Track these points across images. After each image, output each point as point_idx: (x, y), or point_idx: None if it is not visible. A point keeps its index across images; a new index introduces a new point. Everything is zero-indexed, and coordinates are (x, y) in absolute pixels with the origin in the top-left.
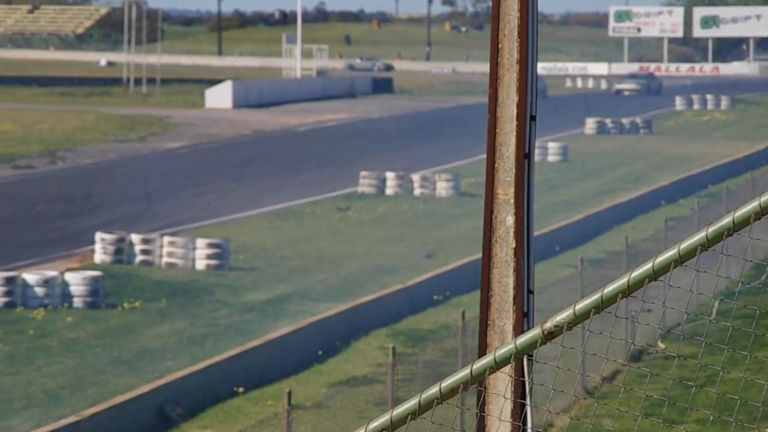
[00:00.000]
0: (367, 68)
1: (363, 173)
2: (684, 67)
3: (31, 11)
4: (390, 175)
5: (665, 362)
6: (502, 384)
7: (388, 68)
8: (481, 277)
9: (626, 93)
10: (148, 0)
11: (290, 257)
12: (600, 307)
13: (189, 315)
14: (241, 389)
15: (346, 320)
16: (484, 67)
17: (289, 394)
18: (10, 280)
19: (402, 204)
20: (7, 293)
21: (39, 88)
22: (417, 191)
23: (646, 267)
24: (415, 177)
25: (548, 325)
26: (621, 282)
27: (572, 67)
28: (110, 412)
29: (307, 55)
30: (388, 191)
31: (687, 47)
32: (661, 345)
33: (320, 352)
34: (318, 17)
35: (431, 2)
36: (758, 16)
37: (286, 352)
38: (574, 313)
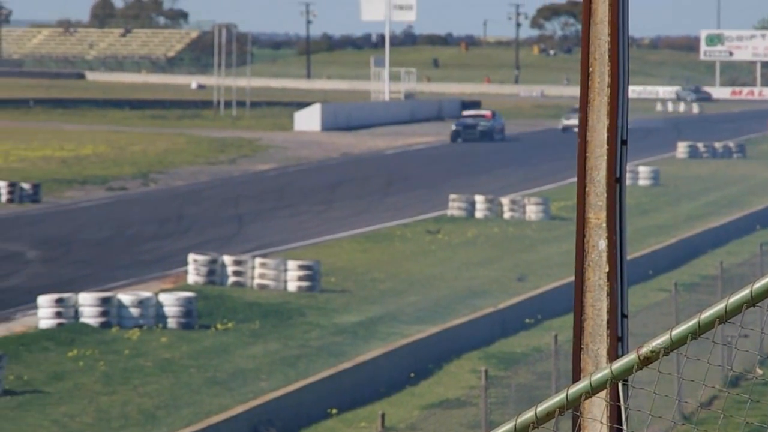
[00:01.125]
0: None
1: (452, 196)
2: None
3: (123, 35)
4: (479, 198)
5: (764, 388)
6: (597, 409)
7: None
8: (574, 301)
9: (576, 130)
10: (238, 24)
11: (381, 279)
12: (697, 332)
13: (281, 336)
14: (334, 411)
15: (438, 343)
16: (572, 91)
17: (383, 416)
18: (105, 301)
19: (492, 227)
20: (103, 313)
21: (131, 110)
22: (507, 214)
23: (744, 293)
24: (505, 200)
25: (644, 350)
26: (718, 307)
27: (663, 90)
28: None
29: (395, 78)
30: (478, 214)
31: None
32: (759, 371)
33: (412, 375)
34: (406, 41)
35: (519, 26)
36: None
37: (378, 374)
38: (671, 338)
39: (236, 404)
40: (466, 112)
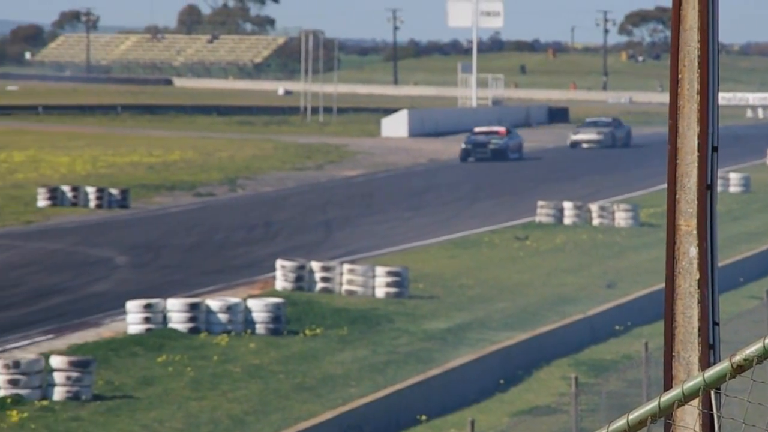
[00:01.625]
0: None
1: (540, 203)
2: None
3: (210, 41)
4: (568, 205)
5: None
6: (690, 417)
7: None
8: (665, 308)
9: (585, 146)
10: (324, 30)
11: (469, 286)
12: None
13: (370, 342)
14: (423, 417)
15: (527, 349)
16: (661, 97)
17: (473, 423)
18: (194, 306)
19: (581, 234)
20: (192, 319)
21: (218, 116)
22: (595, 221)
23: None
24: (593, 207)
25: (737, 358)
26: None
27: (753, 97)
28: None
29: (482, 84)
30: (566, 221)
31: None
32: None
33: (502, 381)
34: (493, 47)
35: (607, 32)
36: None
37: (467, 380)
38: (764, 346)
39: (325, 410)
40: (478, 129)
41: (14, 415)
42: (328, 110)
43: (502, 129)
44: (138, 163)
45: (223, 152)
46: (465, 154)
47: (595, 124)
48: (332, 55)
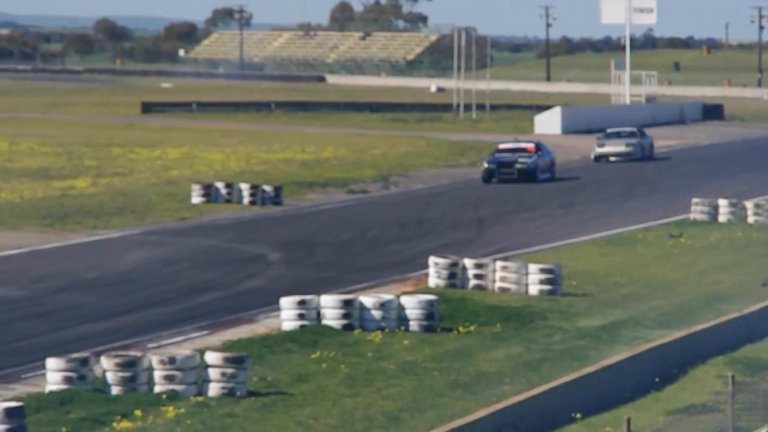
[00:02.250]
0: None
1: (695, 200)
2: None
3: (363, 38)
4: (723, 203)
5: None
6: None
7: None
8: None
9: (612, 159)
10: (477, 27)
11: (623, 283)
12: None
13: (523, 340)
14: (578, 415)
15: (682, 347)
16: None
17: (628, 421)
18: (347, 303)
19: (736, 231)
20: (345, 315)
21: (371, 113)
22: (751, 219)
23: None
24: (749, 204)
25: None
26: None
27: None
28: None
29: (635, 81)
30: (721, 218)
31: None
32: None
33: (657, 379)
34: (646, 43)
35: (762, 28)
36: None
37: (622, 378)
38: None
39: (479, 408)
40: (502, 145)
41: (170, 411)
42: (480, 107)
43: (530, 145)
44: (291, 160)
45: (375, 149)
46: (488, 175)
47: (618, 135)
48: (485, 52)
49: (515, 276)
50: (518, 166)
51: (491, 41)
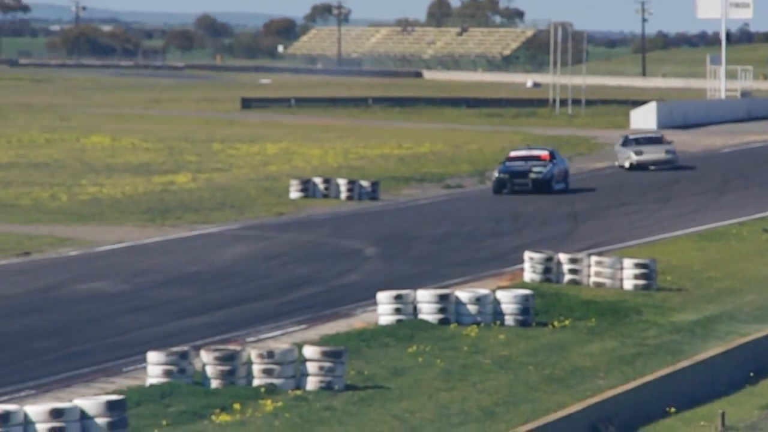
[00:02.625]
0: None
1: None
2: None
3: (459, 34)
4: None
5: None
6: None
7: None
8: None
9: (652, 168)
10: (573, 22)
11: (717, 278)
12: None
13: (618, 334)
14: (672, 409)
15: None
16: None
17: (723, 415)
18: (443, 297)
19: None
20: (441, 310)
21: (468, 108)
22: None
23: None
24: None
25: None
26: None
27: None
28: (544, 429)
29: (731, 76)
30: None
31: None
32: None
33: (751, 374)
34: (742, 38)
35: None
36: None
37: (716, 373)
38: None
39: (574, 402)
40: (514, 153)
41: (269, 404)
42: (576, 102)
43: (544, 153)
44: (388, 155)
45: (472, 144)
46: (499, 185)
47: (649, 140)
48: (581, 48)
49: (610, 271)
50: (533, 175)
51: (587, 36)
